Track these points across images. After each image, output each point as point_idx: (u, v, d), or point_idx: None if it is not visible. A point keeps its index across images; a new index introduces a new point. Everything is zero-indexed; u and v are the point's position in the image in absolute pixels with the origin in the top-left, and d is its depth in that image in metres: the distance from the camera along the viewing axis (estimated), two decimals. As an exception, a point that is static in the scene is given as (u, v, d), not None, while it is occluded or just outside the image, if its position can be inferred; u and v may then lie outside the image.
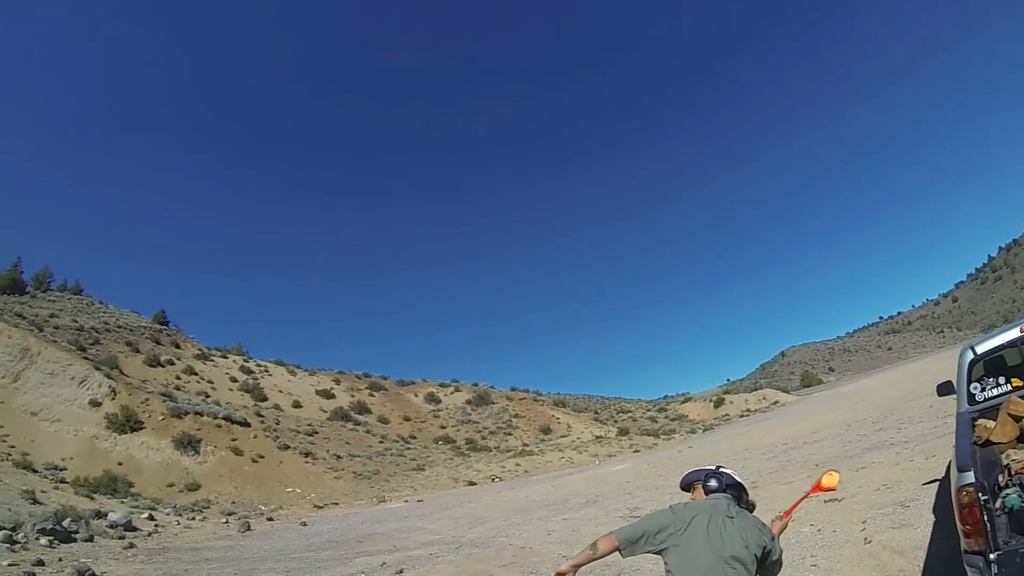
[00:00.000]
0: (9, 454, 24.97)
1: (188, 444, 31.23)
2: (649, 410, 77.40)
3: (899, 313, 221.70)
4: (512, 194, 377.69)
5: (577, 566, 3.02)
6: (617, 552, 3.08)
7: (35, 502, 17.81)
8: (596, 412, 78.35)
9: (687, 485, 3.60)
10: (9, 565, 11.70)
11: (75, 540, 15.29)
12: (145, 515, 20.95)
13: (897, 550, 6.81)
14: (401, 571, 11.28)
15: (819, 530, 8.57)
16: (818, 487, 3.80)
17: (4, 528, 13.81)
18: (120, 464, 28.55)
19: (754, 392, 76.71)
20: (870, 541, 7.39)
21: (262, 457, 33.20)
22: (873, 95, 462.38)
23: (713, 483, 3.36)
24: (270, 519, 24.62)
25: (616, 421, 67.60)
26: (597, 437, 52.20)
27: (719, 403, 67.90)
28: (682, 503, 3.32)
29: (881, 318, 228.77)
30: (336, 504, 28.92)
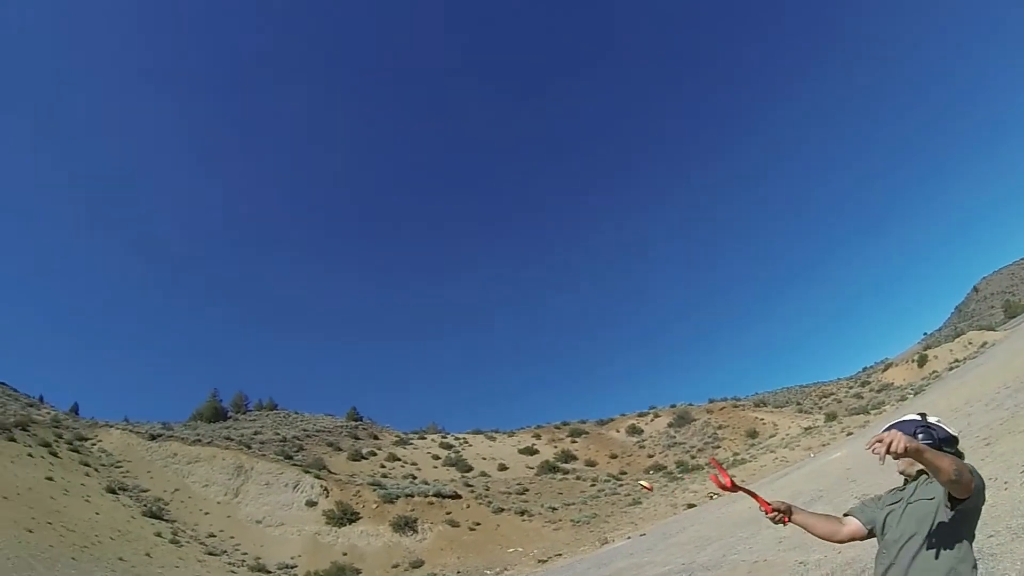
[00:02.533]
0: (243, 560, 27.43)
1: (405, 525, 32.57)
2: (852, 387, 71.00)
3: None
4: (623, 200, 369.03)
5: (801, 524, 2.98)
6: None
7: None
8: (798, 403, 73.11)
9: None
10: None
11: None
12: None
13: None
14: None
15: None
16: None
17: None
18: (344, 554, 30.32)
19: (956, 340, 67.32)
20: None
21: (478, 524, 33.83)
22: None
23: (922, 438, 2.76)
24: (497, 583, 24.78)
25: (821, 408, 62.62)
26: (806, 429, 48.40)
27: (923, 361, 60.68)
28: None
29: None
30: (559, 555, 28.62)
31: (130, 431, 41.54)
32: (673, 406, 68.78)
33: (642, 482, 4.14)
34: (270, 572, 26.57)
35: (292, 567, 28.45)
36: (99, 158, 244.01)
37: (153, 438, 40.17)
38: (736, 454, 47.61)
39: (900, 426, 2.89)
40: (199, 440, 41.03)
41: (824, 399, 70.87)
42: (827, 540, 3.05)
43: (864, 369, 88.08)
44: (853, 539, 2.97)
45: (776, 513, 2.92)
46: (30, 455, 31.05)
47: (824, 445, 38.44)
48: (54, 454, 33.06)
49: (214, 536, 30.89)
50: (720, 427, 57.69)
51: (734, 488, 2.97)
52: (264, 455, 40.55)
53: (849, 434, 38.72)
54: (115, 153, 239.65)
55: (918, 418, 2.91)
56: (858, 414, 46.88)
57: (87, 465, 33.95)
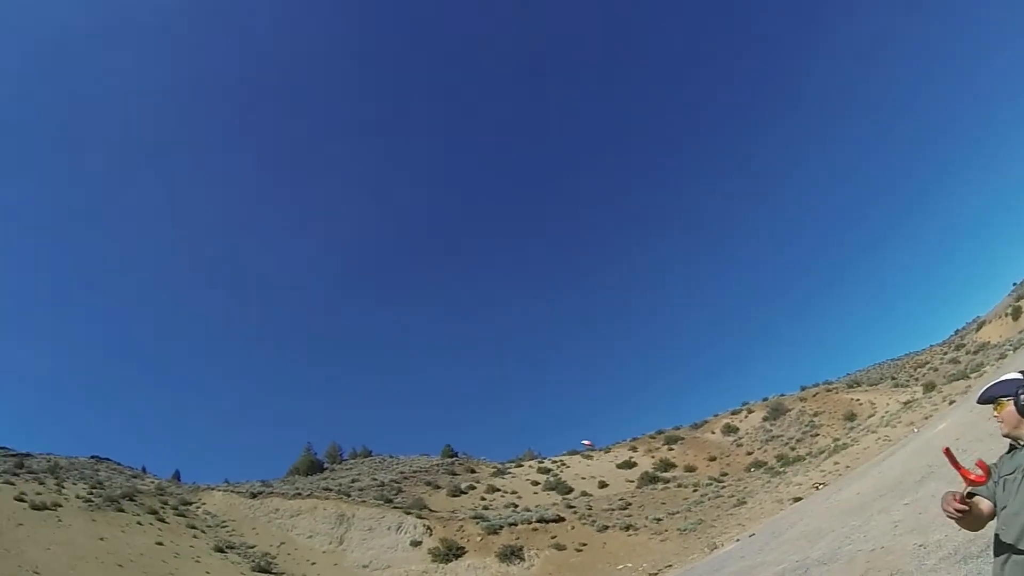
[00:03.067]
0: None
1: (511, 554, 32.81)
2: (946, 352, 67.40)
3: None
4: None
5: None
6: None
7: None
8: (893, 378, 69.91)
9: (990, 399, 2.82)
10: None
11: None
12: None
13: None
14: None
15: None
16: None
17: None
18: (452, 591, 30.82)
19: (1049, 285, 63.08)
20: None
21: (584, 545, 33.77)
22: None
23: None
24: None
25: (917, 379, 59.63)
26: (905, 404, 46.29)
27: (1017, 313, 56.90)
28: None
29: None
30: (670, 566, 28.30)
31: (231, 491, 43.30)
32: (765, 399, 67.14)
33: (584, 442, 3.99)
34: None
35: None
36: (193, 221, 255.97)
37: (254, 496, 41.75)
38: (836, 439, 46.00)
39: (999, 387, 2.76)
40: (299, 493, 42.42)
41: (919, 369, 67.60)
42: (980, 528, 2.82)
43: (956, 332, 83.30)
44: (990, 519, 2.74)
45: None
46: (139, 523, 32.82)
47: (926, 418, 36.77)
48: (162, 520, 34.83)
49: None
50: (816, 414, 55.90)
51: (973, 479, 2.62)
52: (364, 501, 41.56)
53: (951, 403, 36.94)
54: (209, 213, 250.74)
55: (1020, 376, 2.71)
56: (957, 380, 44.61)
57: (194, 527, 35.61)
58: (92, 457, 62.40)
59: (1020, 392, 2.56)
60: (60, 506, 31.14)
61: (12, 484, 33.60)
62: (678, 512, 38.13)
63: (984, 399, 2.85)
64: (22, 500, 29.98)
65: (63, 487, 35.56)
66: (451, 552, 33.79)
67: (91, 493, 36.09)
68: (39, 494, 31.91)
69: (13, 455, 54.27)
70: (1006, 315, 59.69)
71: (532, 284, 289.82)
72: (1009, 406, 2.66)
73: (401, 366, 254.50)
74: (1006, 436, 2.74)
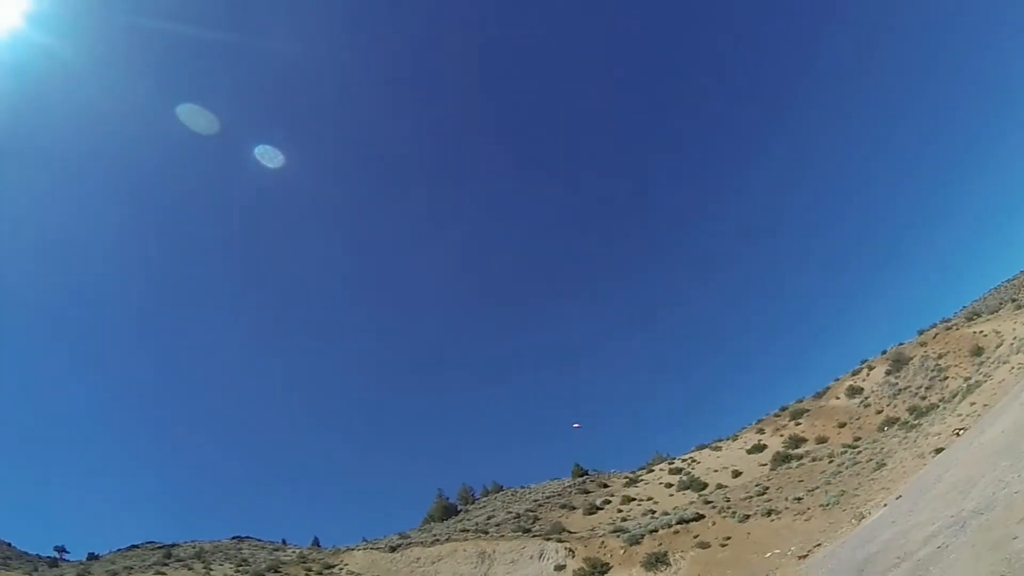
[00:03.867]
0: None
1: (657, 561, 32.51)
2: (1065, 258, 62.84)
3: None
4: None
5: None
6: None
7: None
8: (1013, 299, 65.29)
9: None
10: None
11: None
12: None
13: None
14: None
15: None
16: None
17: None
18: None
19: None
20: None
21: (729, 539, 33.09)
22: None
23: None
24: (767, 591, 24.09)
25: (1040, 295, 55.89)
26: (1032, 324, 43.44)
27: None
28: None
29: None
30: (818, 545, 27.33)
31: (371, 548, 44.71)
32: (884, 352, 64.21)
33: (575, 425, 4.17)
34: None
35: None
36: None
37: (393, 549, 42.97)
38: (967, 379, 43.46)
39: None
40: (437, 539, 43.43)
41: (1040, 281, 63.36)
42: None
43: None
44: None
45: None
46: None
47: (1063, 333, 34.42)
48: (308, 584, 36.35)
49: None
50: (940, 356, 52.97)
51: None
52: (502, 535, 42.13)
53: (1086, 313, 34.41)
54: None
55: None
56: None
57: (340, 588, 37.00)
58: (234, 538, 65.92)
59: None
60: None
61: (163, 574, 35.93)
62: (817, 487, 36.85)
63: None
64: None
65: (211, 570, 37.74)
66: (596, 570, 33.82)
67: (237, 571, 38.13)
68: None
69: (160, 547, 58.03)
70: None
71: (611, 281, 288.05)
72: None
73: (521, 394, 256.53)
74: None
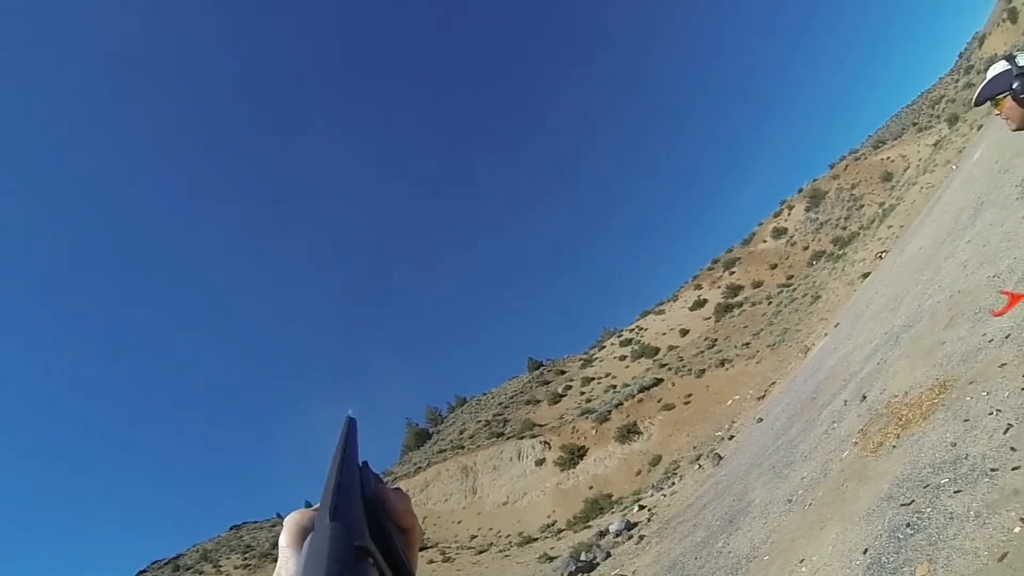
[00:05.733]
0: (510, 542, 30.24)
1: (628, 432, 34.33)
2: (957, 79, 65.51)
3: None
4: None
5: None
6: None
7: (549, 559, 21.73)
8: (914, 123, 68.21)
9: (987, 99, 2.59)
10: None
11: (597, 565, 17.93)
12: (635, 509, 23.56)
13: None
14: (864, 396, 11.23)
15: None
16: None
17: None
18: (591, 488, 32.58)
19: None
20: None
21: (690, 396, 35.01)
22: None
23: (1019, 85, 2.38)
24: (731, 437, 25.86)
25: (938, 116, 58.33)
26: (935, 145, 45.58)
27: (1014, 16, 53.85)
28: None
29: None
30: (773, 384, 29.27)
31: (360, 496, 45.63)
32: (800, 190, 66.76)
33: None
34: (536, 539, 29.13)
35: (552, 524, 31.01)
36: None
37: (378, 484, 43.97)
38: (882, 204, 45.94)
39: (992, 85, 2.55)
40: (419, 468, 44.65)
41: (937, 106, 65.84)
42: None
43: (960, 55, 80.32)
44: None
45: None
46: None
47: (960, 151, 36.34)
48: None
49: (475, 536, 34.09)
50: (853, 186, 55.38)
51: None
52: (479, 446, 43.58)
53: (979, 127, 36.30)
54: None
55: (1008, 66, 2.47)
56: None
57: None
58: (232, 528, 65.88)
59: (1014, 84, 2.39)
60: (225, 583, 33.62)
61: (176, 586, 36.08)
62: (762, 330, 39.02)
63: (980, 101, 2.63)
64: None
65: (220, 566, 38.14)
66: (574, 455, 35.46)
67: (245, 558, 38.65)
68: (202, 583, 34.32)
69: (166, 562, 57.74)
70: (1003, 21, 57.18)
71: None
72: (1008, 101, 2.48)
73: (466, 294, 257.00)
74: (1018, 131, 2.60)
